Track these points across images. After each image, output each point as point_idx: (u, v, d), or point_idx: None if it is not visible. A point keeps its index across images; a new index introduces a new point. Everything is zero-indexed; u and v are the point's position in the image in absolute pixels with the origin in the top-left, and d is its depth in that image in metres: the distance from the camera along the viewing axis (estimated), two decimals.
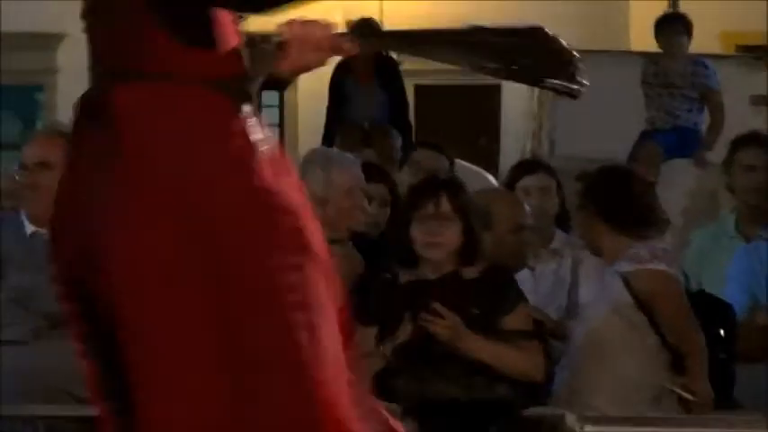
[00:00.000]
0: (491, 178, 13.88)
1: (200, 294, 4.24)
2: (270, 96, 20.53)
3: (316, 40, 4.62)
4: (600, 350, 8.24)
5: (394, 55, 18.66)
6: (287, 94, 22.39)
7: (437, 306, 7.64)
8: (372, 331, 7.94)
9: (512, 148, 19.08)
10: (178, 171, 4.32)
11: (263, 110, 7.22)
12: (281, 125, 24.58)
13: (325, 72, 15.81)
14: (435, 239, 7.98)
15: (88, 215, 4.27)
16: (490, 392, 7.75)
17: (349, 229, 8.83)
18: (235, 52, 4.46)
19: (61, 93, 25.26)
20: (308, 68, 4.74)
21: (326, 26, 4.63)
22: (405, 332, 7.75)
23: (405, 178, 10.90)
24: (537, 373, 7.92)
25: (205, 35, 4.35)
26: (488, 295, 7.99)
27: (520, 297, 8.20)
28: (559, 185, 10.21)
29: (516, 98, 20.55)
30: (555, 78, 4.68)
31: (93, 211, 4.26)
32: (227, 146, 4.45)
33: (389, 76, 19.12)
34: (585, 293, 8.64)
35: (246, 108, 4.43)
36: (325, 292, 4.35)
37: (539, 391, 8.09)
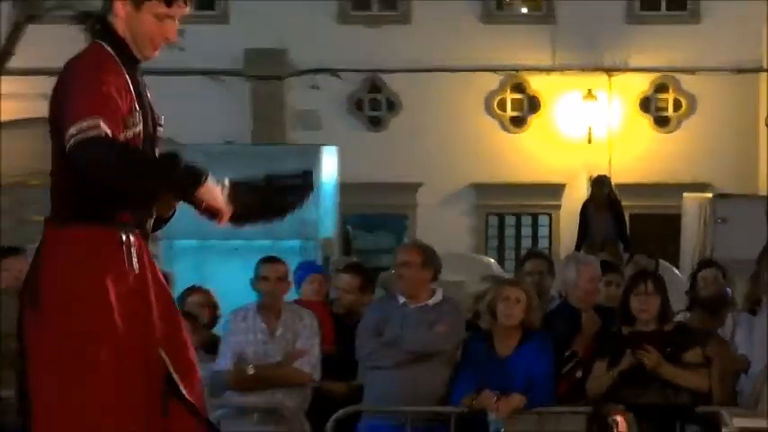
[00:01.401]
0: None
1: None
2: None
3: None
4: None
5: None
6: None
7: (647, 346, 9.36)
8: (604, 363, 9.48)
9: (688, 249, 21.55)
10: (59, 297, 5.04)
11: None
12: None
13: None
14: (645, 307, 9.67)
15: None
16: (676, 399, 9.37)
17: (590, 302, 10.33)
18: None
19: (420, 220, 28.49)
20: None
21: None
22: (626, 362, 9.34)
23: (627, 272, 12.16)
24: (704, 387, 9.47)
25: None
26: (675, 341, 9.71)
27: (695, 341, 9.90)
28: None
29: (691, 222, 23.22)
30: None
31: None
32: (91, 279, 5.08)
33: (616, 208, 22.00)
34: None
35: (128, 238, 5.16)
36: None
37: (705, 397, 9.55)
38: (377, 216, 26.33)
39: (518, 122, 30.62)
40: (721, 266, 12.50)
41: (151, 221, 5.29)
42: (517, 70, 30.28)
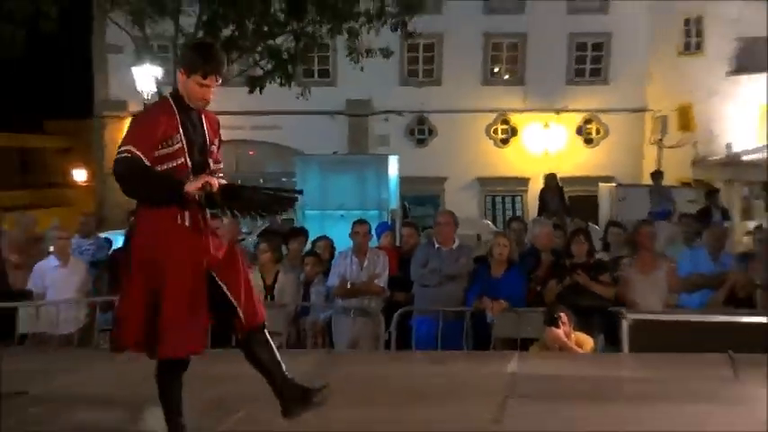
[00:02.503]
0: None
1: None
2: None
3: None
4: None
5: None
6: None
7: (580, 272, 9.17)
8: (554, 282, 9.28)
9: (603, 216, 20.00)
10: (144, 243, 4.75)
11: None
12: None
13: None
14: (579, 249, 9.53)
15: None
16: (596, 303, 9.01)
17: (547, 246, 9.92)
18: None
19: (447, 198, 27.97)
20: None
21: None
22: (567, 281, 9.18)
23: (569, 229, 11.99)
24: (611, 296, 9.12)
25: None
26: (595, 269, 9.41)
27: (606, 269, 9.61)
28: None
29: (604, 200, 23.44)
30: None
31: None
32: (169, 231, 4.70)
33: (560, 192, 21.29)
34: None
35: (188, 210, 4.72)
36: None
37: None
38: (422, 196, 26.17)
39: (504, 142, 30.37)
40: (621, 225, 12.41)
41: (199, 198, 4.74)
42: (503, 111, 30.08)
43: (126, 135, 4.69)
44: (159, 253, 4.68)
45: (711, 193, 19.40)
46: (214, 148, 4.94)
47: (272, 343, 4.94)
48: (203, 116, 4.91)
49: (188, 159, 4.75)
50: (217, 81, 4.79)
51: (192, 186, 4.67)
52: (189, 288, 4.68)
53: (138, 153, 4.56)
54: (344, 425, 5.59)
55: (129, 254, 4.93)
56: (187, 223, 4.73)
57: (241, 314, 4.76)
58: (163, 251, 4.68)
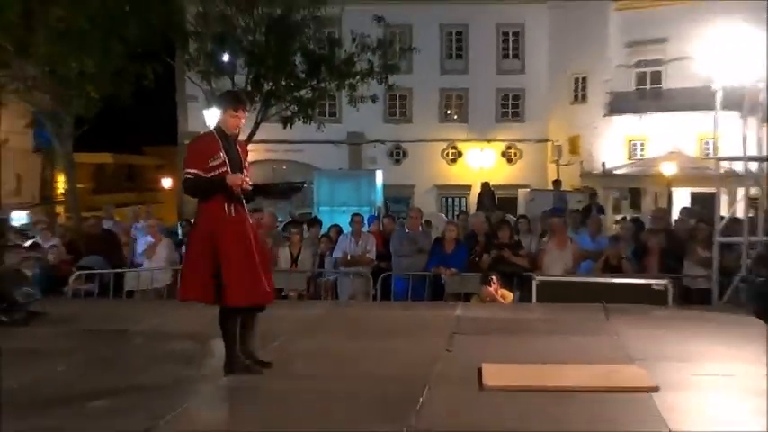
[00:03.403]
0: None
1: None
2: None
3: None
4: None
5: None
6: None
7: (505, 248, 9.07)
8: (488, 255, 9.04)
9: (520, 211, 19.02)
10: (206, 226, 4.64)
11: None
12: None
13: None
14: (504, 233, 9.40)
15: None
16: (517, 269, 8.88)
17: (482, 231, 9.76)
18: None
19: (416, 199, 26.68)
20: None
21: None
22: (495, 254, 9.05)
23: (494, 219, 12.06)
24: (527, 265, 8.96)
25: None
26: (516, 246, 9.27)
27: (523, 247, 9.39)
28: None
29: (521, 200, 22.91)
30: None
31: None
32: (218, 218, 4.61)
33: (492, 195, 20.94)
34: None
35: (232, 202, 4.63)
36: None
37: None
38: (398, 197, 25.94)
39: (453, 161, 30.11)
40: (526, 217, 12.25)
41: (239, 196, 4.72)
42: (452, 141, 29.95)
43: (186, 159, 4.74)
44: (214, 234, 4.61)
45: (592, 195, 19.41)
46: (246, 164, 4.88)
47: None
48: (238, 144, 4.85)
49: (229, 170, 4.69)
50: (244, 113, 4.80)
51: (231, 179, 4.64)
52: (241, 256, 4.59)
53: (193, 171, 4.65)
54: (343, 351, 5.63)
55: (191, 236, 4.95)
56: (233, 213, 4.67)
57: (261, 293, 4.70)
58: (216, 233, 4.61)
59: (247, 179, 4.76)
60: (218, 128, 4.81)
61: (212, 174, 4.66)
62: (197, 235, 4.75)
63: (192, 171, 4.65)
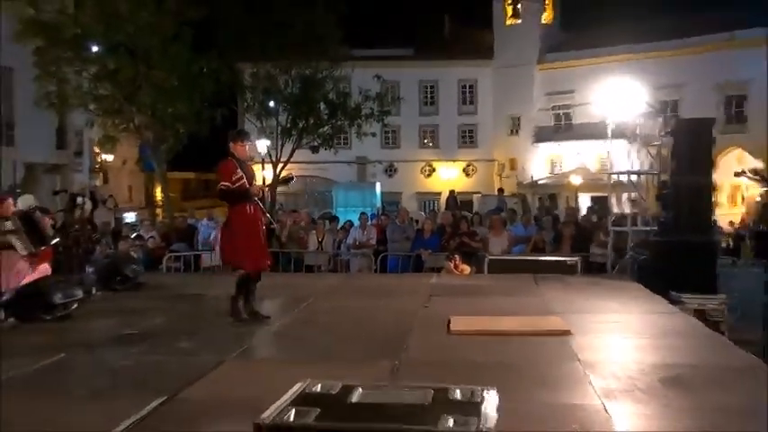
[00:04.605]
0: None
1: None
2: None
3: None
4: None
5: None
6: None
7: (465, 236, 8.66)
8: (453, 240, 8.61)
9: (474, 210, 18.23)
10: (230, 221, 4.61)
11: None
12: None
13: None
14: (463, 227, 9.05)
15: None
16: (475, 250, 8.46)
17: (448, 223, 9.42)
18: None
19: (404, 202, 24.77)
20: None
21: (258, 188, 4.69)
22: (459, 240, 8.52)
23: (458, 216, 11.65)
24: (479, 247, 8.57)
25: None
26: (473, 235, 8.82)
27: (476, 234, 8.86)
28: None
29: (475, 202, 21.85)
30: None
31: None
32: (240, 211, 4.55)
33: (456, 200, 20.01)
34: None
35: (252, 200, 4.57)
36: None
37: None
38: (391, 201, 25.26)
39: (429, 176, 29.87)
40: (479, 214, 11.90)
41: (255, 199, 4.67)
42: (429, 161, 29.62)
43: (219, 175, 4.65)
44: (238, 224, 4.62)
45: (524, 199, 19.36)
46: (255, 178, 4.85)
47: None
48: (249, 166, 4.84)
49: (246, 182, 4.67)
50: (249, 143, 4.78)
51: (254, 189, 4.69)
52: (254, 238, 4.61)
53: (225, 184, 4.60)
54: (353, 307, 5.54)
55: (227, 228, 4.84)
56: (252, 211, 4.64)
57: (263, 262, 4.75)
58: (240, 223, 4.62)
59: (263, 189, 4.87)
60: (231, 154, 4.71)
61: (237, 185, 4.62)
62: (228, 226, 4.70)
63: (225, 184, 4.60)
